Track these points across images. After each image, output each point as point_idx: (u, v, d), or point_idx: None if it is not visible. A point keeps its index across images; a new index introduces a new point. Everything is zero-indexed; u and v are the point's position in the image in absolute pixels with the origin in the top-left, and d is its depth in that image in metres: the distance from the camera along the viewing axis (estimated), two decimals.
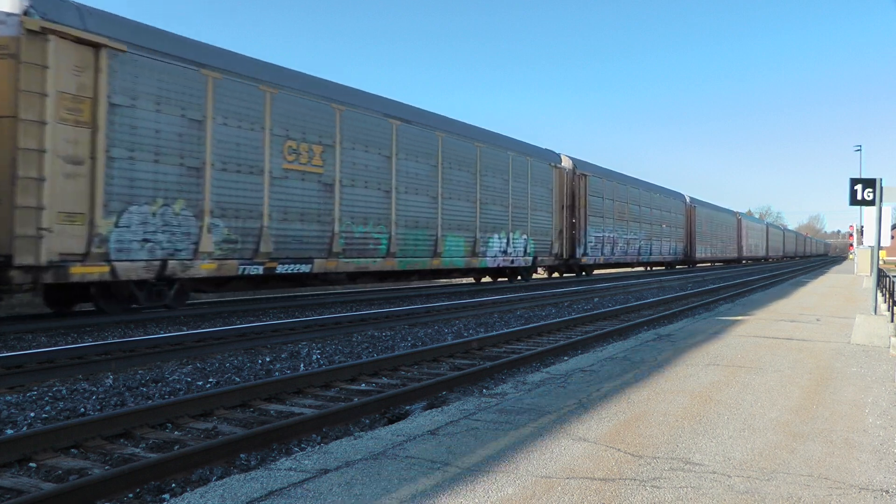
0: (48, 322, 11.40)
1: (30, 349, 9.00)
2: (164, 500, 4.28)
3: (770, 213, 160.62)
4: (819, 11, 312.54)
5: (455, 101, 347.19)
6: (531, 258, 25.35)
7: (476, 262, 21.76)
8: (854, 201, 10.13)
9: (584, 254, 29.95)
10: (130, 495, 4.31)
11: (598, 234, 31.65)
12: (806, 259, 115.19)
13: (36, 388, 7.29)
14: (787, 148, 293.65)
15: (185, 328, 11.55)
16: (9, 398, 6.76)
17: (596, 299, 19.73)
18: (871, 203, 10.12)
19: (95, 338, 10.29)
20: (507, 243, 23.69)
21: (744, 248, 66.37)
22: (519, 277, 26.09)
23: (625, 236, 35.17)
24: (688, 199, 48.66)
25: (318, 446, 5.04)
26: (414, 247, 18.73)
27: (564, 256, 28.27)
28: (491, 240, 22.72)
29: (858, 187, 10.09)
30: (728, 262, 62.72)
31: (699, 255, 49.86)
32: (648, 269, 44.79)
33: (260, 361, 8.98)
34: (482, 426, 5.05)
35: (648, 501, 3.59)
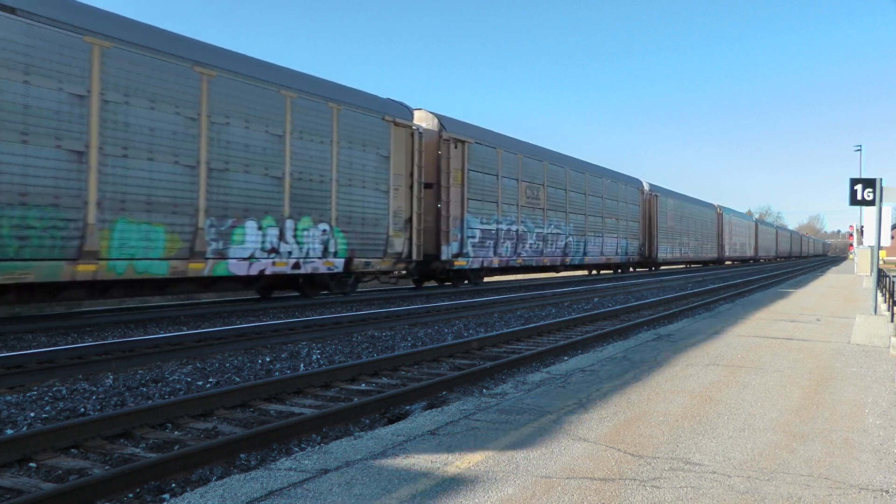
0: (48, 322, 11.40)
1: (30, 349, 9.00)
2: (164, 500, 4.28)
3: (770, 213, 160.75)
4: (819, 11, 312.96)
5: (455, 101, 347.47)
6: (341, 260, 16.56)
7: (200, 268, 13.14)
8: (854, 201, 10.13)
9: (461, 253, 20.83)
10: (130, 495, 4.31)
11: (488, 227, 22.45)
12: (804, 259, 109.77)
13: (36, 388, 7.29)
14: (787, 148, 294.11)
15: (185, 328, 11.55)
16: (9, 398, 6.76)
17: (596, 299, 19.74)
18: (871, 203, 10.12)
19: (95, 338, 10.29)
20: (282, 236, 14.87)
21: (726, 248, 57.26)
22: (325, 292, 17.34)
23: (539, 230, 25.76)
24: (646, 186, 39.16)
25: (318, 446, 5.04)
26: (17, 241, 10.39)
27: (415, 257, 19.06)
28: (238, 231, 13.90)
29: (858, 187, 10.09)
30: (705, 263, 53.62)
31: (663, 254, 40.50)
32: (595, 272, 36.75)
33: (260, 361, 8.98)
34: (482, 426, 5.05)
35: (648, 501, 3.59)
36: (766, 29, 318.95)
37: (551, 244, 27.03)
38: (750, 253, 69.69)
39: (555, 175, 27.48)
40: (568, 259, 28.60)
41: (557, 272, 30.37)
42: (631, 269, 39.30)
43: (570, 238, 28.77)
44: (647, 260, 39.33)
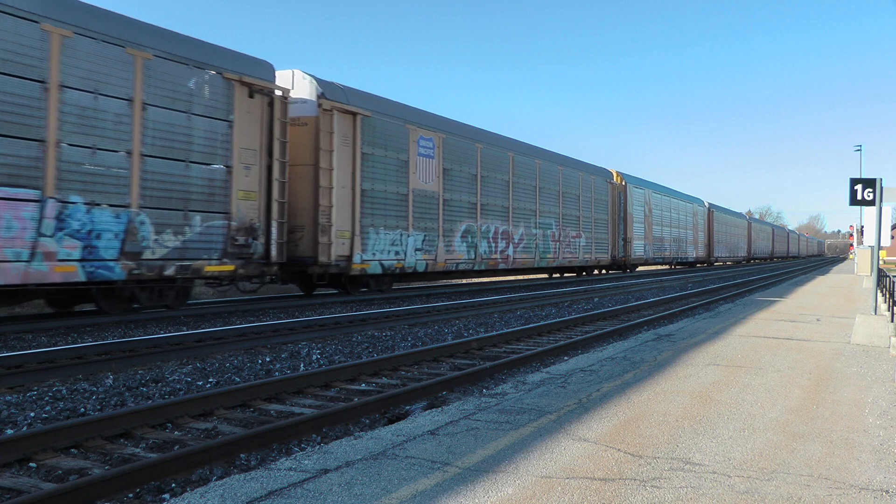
0: (48, 322, 11.39)
1: (30, 349, 9.00)
2: (164, 500, 4.28)
3: (770, 213, 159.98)
4: (819, 11, 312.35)
5: (455, 101, 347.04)
6: None
7: None
8: (854, 201, 10.13)
9: None
10: (130, 495, 4.31)
11: None
12: (795, 261, 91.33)
13: (36, 388, 7.29)
14: (787, 148, 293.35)
15: (185, 328, 11.55)
16: (9, 398, 6.76)
17: (596, 299, 19.74)
18: (871, 203, 10.12)
19: (95, 338, 10.29)
20: None
21: (633, 244, 35.58)
22: None
23: None
24: (316, 90, 15.72)
25: (318, 446, 5.04)
26: None
27: None
28: None
29: (858, 187, 10.09)
30: (590, 270, 32.55)
31: (456, 253, 20.49)
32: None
33: (260, 361, 8.98)
34: (482, 426, 5.06)
35: (648, 501, 3.59)
36: (766, 29, 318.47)
37: None
38: (696, 253, 47.53)
39: None
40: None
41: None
42: (247, 286, 15.58)
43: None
44: (328, 267, 15.94)
